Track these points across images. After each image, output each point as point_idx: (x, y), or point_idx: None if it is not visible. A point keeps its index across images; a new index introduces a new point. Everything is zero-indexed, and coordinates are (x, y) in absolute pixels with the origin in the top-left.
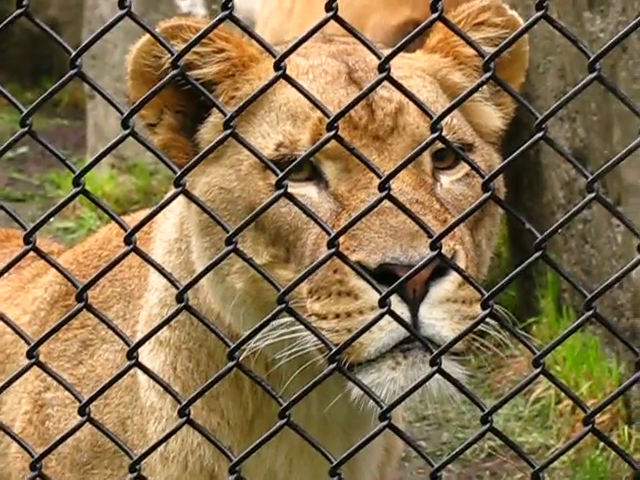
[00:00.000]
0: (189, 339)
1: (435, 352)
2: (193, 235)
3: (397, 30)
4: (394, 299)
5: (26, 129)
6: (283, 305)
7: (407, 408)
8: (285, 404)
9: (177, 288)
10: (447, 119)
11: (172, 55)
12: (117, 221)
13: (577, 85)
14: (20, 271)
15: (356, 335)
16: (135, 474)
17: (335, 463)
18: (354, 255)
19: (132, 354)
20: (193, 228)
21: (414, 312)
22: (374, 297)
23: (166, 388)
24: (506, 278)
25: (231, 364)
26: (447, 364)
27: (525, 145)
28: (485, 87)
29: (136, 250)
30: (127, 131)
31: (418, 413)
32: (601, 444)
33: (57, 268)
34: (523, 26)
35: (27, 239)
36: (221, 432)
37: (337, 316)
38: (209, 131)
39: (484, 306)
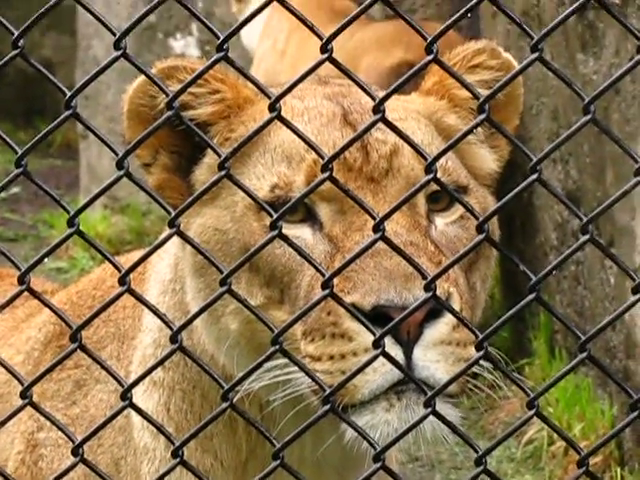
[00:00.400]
0: (183, 380)
1: (429, 394)
2: (187, 276)
3: (390, 71)
4: (388, 341)
5: (21, 170)
6: (277, 346)
7: (400, 449)
8: (279, 445)
9: (171, 329)
10: (442, 161)
11: (167, 96)
12: (112, 262)
13: (571, 127)
14: (14, 310)
15: (350, 377)
16: None
17: None
18: (348, 297)
19: (126, 395)
20: (187, 269)
21: (408, 354)
22: (368, 339)
23: (159, 429)
24: (500, 320)
25: (225, 405)
26: (441, 406)
27: (520, 187)
28: (480, 130)
29: (130, 291)
30: (122, 172)
31: (411, 454)
32: None
33: (51, 308)
34: (518, 68)
35: (21, 279)
36: (214, 473)
37: (331, 358)
38: (204, 172)
39: (478, 348)
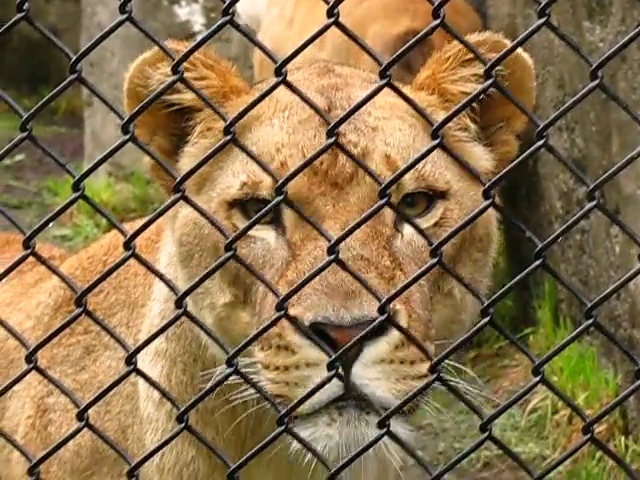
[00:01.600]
0: (184, 352)
1: (383, 415)
2: (176, 264)
3: (397, 39)
4: (325, 358)
5: (26, 134)
6: (231, 369)
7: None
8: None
9: (176, 294)
10: (418, 165)
11: (173, 60)
12: (117, 227)
13: (577, 94)
14: (22, 276)
15: (299, 401)
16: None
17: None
18: (292, 309)
19: (131, 360)
20: (175, 258)
21: (347, 371)
22: (310, 353)
23: (163, 393)
24: (505, 287)
25: (229, 370)
26: (393, 421)
27: (526, 152)
28: (472, 127)
29: (135, 256)
30: (127, 136)
31: (414, 422)
32: (598, 455)
33: (56, 273)
34: (524, 34)
35: (26, 244)
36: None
37: (277, 368)
38: (185, 162)
39: (484, 314)
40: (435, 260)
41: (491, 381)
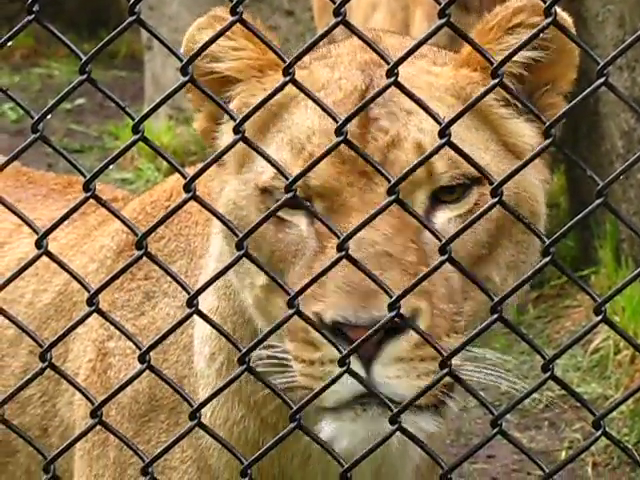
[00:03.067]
0: (234, 313)
1: (394, 411)
2: (222, 239)
3: None
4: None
5: (85, 76)
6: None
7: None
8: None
9: (236, 235)
10: (451, 152)
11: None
12: (177, 169)
13: (638, 32)
14: (85, 218)
15: (311, 396)
16: (195, 422)
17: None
18: (315, 305)
19: (192, 302)
20: (222, 234)
21: (368, 370)
22: (333, 351)
23: (220, 331)
24: (565, 227)
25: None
26: (415, 419)
27: (586, 91)
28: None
29: (196, 197)
30: (187, 78)
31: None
32: None
33: (117, 216)
34: None
35: (86, 187)
36: (265, 406)
37: (304, 361)
38: (223, 138)
39: (544, 254)
40: (444, 257)
41: (553, 321)
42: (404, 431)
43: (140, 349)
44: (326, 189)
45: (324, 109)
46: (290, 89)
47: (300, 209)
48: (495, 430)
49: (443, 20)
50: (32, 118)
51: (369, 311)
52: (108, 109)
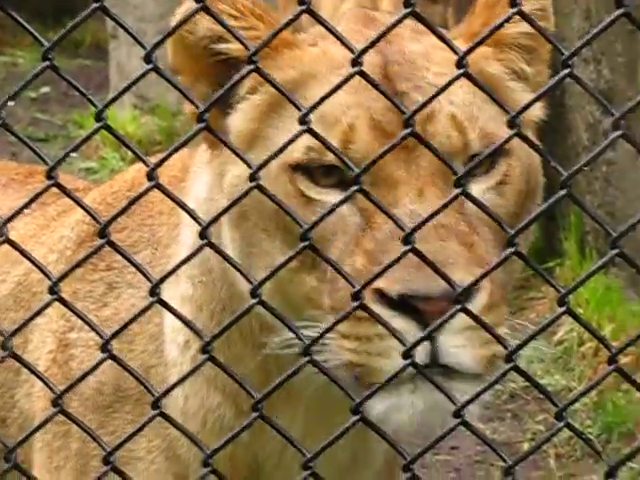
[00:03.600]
0: (211, 300)
1: (456, 378)
2: (224, 223)
3: None
4: (414, 328)
5: (48, 63)
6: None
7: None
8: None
9: (200, 225)
10: (481, 124)
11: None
12: (140, 157)
13: (602, 22)
14: (45, 208)
15: (379, 386)
16: (157, 411)
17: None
18: (376, 282)
19: (154, 290)
20: (225, 217)
21: (433, 340)
22: (395, 324)
23: (187, 324)
24: (531, 216)
25: (254, 301)
26: (468, 388)
27: (551, 82)
28: (528, 70)
29: (159, 186)
30: (150, 66)
31: None
32: (623, 386)
33: (80, 204)
34: None
35: (49, 175)
36: (241, 393)
37: (358, 338)
38: (238, 116)
39: (509, 245)
40: (511, 250)
41: (517, 313)
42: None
43: (103, 338)
44: (361, 162)
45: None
46: (308, 67)
47: (333, 187)
48: (457, 421)
49: (408, 10)
50: None
51: (439, 282)
52: (73, 98)
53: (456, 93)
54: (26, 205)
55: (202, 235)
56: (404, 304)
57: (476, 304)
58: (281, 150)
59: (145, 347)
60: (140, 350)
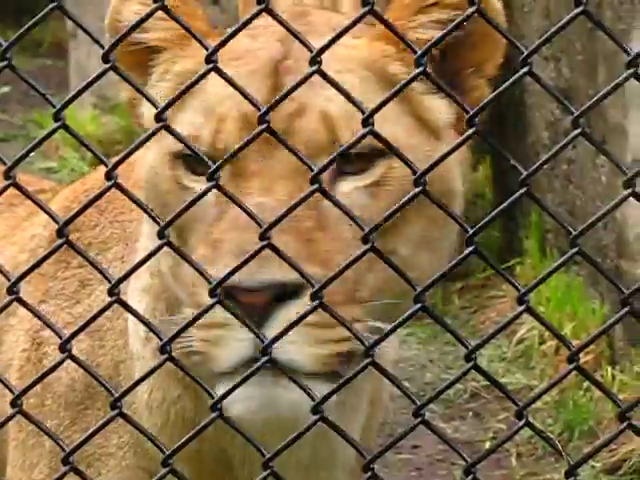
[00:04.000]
0: (165, 290)
1: (286, 374)
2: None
3: None
4: (237, 320)
5: (5, 63)
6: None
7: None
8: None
9: (158, 224)
10: (357, 121)
11: None
12: (98, 157)
13: (562, 20)
14: (13, 209)
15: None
16: (117, 411)
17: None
18: (210, 269)
19: (112, 291)
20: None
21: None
22: (222, 314)
23: (144, 322)
24: (490, 215)
25: (214, 301)
26: (311, 384)
27: (510, 80)
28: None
29: (118, 185)
30: (108, 65)
31: (401, 354)
32: (585, 385)
33: (39, 205)
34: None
35: (7, 175)
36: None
37: (203, 327)
38: (145, 104)
39: (468, 244)
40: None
41: (478, 312)
42: (310, 397)
43: (61, 338)
44: (225, 153)
45: (229, 81)
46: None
47: (203, 175)
48: (418, 420)
49: (367, 8)
50: None
51: (261, 275)
52: (33, 98)
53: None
54: None
55: (160, 234)
56: (230, 295)
57: (303, 301)
58: (144, 141)
59: (115, 342)
60: (111, 346)
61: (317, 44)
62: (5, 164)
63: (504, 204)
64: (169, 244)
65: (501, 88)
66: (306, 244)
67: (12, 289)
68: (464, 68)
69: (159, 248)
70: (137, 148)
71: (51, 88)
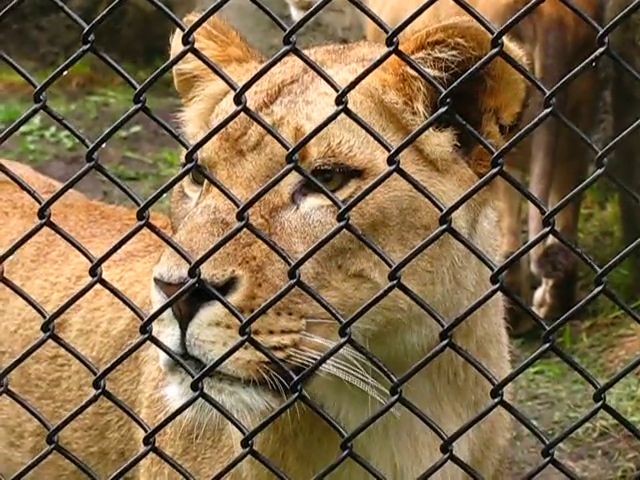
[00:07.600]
0: None
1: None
2: None
3: (507, 8)
4: (167, 315)
5: (140, 105)
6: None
7: (520, 387)
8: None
9: (138, 205)
10: (332, 143)
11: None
12: (228, 195)
13: None
14: (152, 255)
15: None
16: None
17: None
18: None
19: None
20: None
21: (183, 331)
22: (155, 308)
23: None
24: (618, 256)
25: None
26: (235, 390)
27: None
28: (422, 111)
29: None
30: (240, 107)
31: (529, 392)
32: None
33: (167, 242)
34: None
35: (140, 215)
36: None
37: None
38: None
39: (597, 283)
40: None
41: (606, 350)
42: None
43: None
44: (206, 162)
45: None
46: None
47: (199, 185)
48: (547, 459)
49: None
50: (87, 147)
51: (179, 271)
52: (163, 136)
53: (321, 110)
54: (116, 248)
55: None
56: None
57: (230, 299)
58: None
59: None
60: None
61: (332, 72)
62: (138, 203)
63: (632, 245)
64: (149, 225)
65: (624, 133)
66: (244, 248)
67: (145, 328)
68: (480, 112)
69: (138, 229)
70: (174, 184)
71: (180, 127)
